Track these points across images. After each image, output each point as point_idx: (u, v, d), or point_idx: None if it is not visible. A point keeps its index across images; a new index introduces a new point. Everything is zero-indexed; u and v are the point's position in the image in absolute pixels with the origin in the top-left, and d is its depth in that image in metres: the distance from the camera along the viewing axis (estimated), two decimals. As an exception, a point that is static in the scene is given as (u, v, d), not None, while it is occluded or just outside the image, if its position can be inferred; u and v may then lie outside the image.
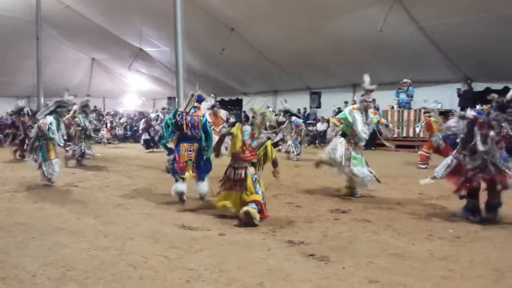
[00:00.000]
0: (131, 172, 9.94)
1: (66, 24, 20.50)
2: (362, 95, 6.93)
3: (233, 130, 5.50)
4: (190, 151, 6.47)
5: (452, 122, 5.55)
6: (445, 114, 14.35)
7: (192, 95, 6.68)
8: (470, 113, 5.35)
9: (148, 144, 16.17)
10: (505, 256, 4.06)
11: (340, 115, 7.15)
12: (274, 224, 5.12)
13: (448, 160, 5.56)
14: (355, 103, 8.42)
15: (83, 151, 10.98)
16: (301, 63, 18.74)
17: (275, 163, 5.63)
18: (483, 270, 3.69)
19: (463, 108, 14.84)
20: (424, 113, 11.14)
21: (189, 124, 6.46)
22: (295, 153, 12.58)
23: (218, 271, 3.65)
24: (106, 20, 20.31)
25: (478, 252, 4.17)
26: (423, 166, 10.53)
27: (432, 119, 10.81)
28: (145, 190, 7.56)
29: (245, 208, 5.09)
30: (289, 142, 12.73)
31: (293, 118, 13.02)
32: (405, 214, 5.77)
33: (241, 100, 25.77)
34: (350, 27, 14.84)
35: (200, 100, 6.67)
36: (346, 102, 17.01)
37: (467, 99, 14.73)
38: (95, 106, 26.65)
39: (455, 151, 5.57)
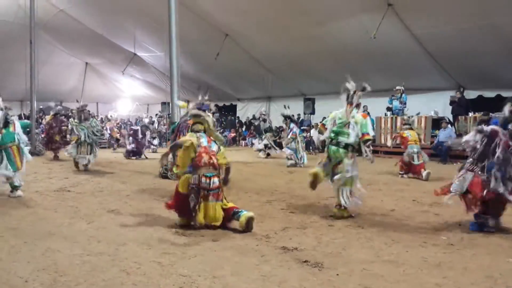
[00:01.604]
0: (124, 177, 9.90)
1: (60, 28, 20.49)
2: (353, 101, 6.56)
3: (185, 139, 5.21)
4: None
5: (469, 136, 5.36)
6: (438, 122, 14.58)
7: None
8: (488, 128, 5.21)
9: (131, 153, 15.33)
10: (498, 263, 4.08)
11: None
12: (268, 230, 5.11)
13: (463, 174, 5.29)
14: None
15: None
16: (295, 69, 18.82)
17: (227, 170, 5.36)
18: (476, 277, 3.71)
19: (456, 116, 15.01)
20: (404, 124, 10.88)
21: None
22: (298, 161, 12.41)
23: (211, 277, 3.63)
24: (100, 25, 20.31)
25: (472, 259, 4.19)
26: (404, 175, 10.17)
27: (415, 130, 10.56)
28: (138, 195, 7.53)
29: (248, 215, 5.04)
30: (288, 151, 12.61)
31: (292, 124, 13.02)
32: (399, 220, 5.79)
33: (235, 106, 25.85)
34: (343, 34, 14.94)
35: (205, 108, 6.55)
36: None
37: (460, 106, 14.87)
38: (88, 111, 26.55)
39: (467, 164, 5.32)
